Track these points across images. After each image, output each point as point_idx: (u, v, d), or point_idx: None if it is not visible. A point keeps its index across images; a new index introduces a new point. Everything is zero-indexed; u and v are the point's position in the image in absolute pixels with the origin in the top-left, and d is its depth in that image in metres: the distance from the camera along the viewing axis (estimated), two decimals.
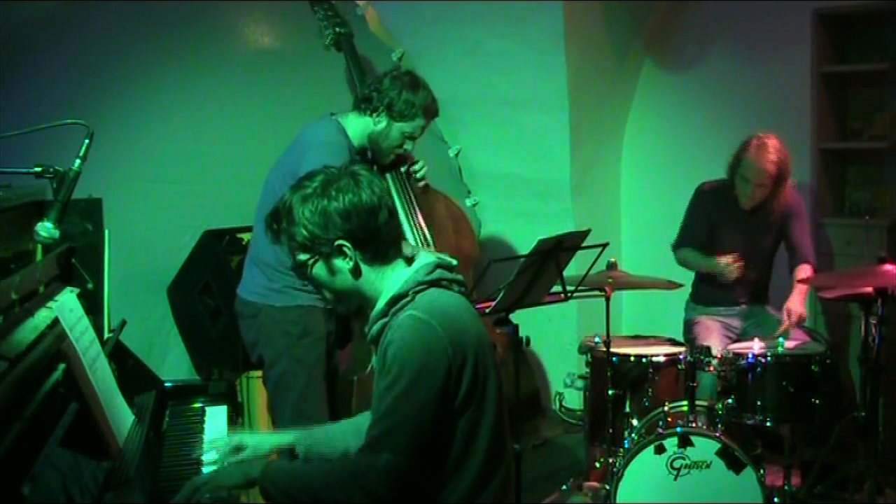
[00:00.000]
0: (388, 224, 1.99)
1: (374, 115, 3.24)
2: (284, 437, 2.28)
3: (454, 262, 2.11)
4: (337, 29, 4.03)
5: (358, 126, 3.28)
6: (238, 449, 2.24)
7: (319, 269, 2.01)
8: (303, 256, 2.00)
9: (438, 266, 2.04)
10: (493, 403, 2.00)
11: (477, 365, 1.96)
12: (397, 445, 1.88)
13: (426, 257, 2.06)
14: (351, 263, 1.98)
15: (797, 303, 3.80)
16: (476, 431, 1.98)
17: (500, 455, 2.03)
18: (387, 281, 2.02)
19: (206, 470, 2.22)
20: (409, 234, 3.69)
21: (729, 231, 3.95)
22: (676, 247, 4.07)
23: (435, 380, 1.89)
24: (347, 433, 2.24)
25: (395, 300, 1.98)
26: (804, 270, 3.90)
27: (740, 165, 3.81)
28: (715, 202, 3.97)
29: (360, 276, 2.00)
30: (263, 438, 2.30)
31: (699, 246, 3.99)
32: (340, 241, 1.96)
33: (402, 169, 3.70)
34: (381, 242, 1.99)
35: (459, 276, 2.10)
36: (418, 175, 3.69)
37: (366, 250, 1.98)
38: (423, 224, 3.76)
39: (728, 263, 3.80)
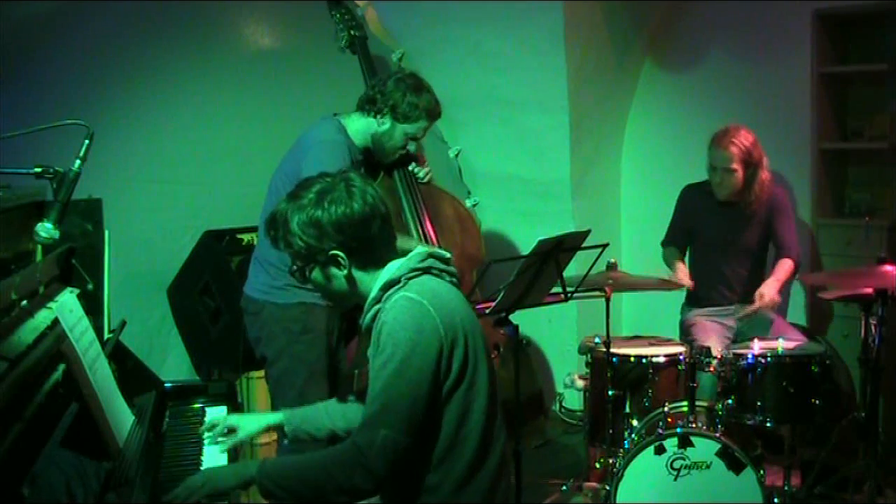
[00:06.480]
0: (381, 231, 2.06)
1: (378, 116, 3.29)
2: (273, 418, 2.39)
3: (447, 254, 2.17)
4: (352, 32, 4.09)
5: (360, 126, 3.32)
6: (231, 431, 2.34)
7: (316, 275, 2.08)
8: (299, 263, 2.07)
9: (431, 255, 2.11)
10: (484, 387, 2.06)
11: (467, 347, 2.02)
12: (394, 422, 1.92)
13: (419, 248, 2.13)
14: (345, 271, 2.05)
15: (772, 289, 3.81)
16: (469, 414, 2.03)
17: (493, 439, 2.09)
18: (381, 277, 2.08)
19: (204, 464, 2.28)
20: (413, 232, 3.71)
21: (707, 225, 4.02)
22: (663, 244, 4.19)
23: (427, 357, 1.95)
24: (334, 414, 2.33)
25: (388, 286, 2.05)
26: (784, 264, 3.92)
27: (708, 156, 3.89)
28: (694, 199, 4.07)
29: (354, 281, 2.07)
30: (254, 419, 2.40)
31: (681, 244, 4.11)
32: (335, 252, 2.02)
33: (411, 168, 3.74)
34: (374, 250, 2.06)
35: (452, 268, 2.16)
36: (421, 178, 3.76)
37: (359, 257, 2.06)
38: (428, 222, 3.77)
39: (679, 279, 3.88)
